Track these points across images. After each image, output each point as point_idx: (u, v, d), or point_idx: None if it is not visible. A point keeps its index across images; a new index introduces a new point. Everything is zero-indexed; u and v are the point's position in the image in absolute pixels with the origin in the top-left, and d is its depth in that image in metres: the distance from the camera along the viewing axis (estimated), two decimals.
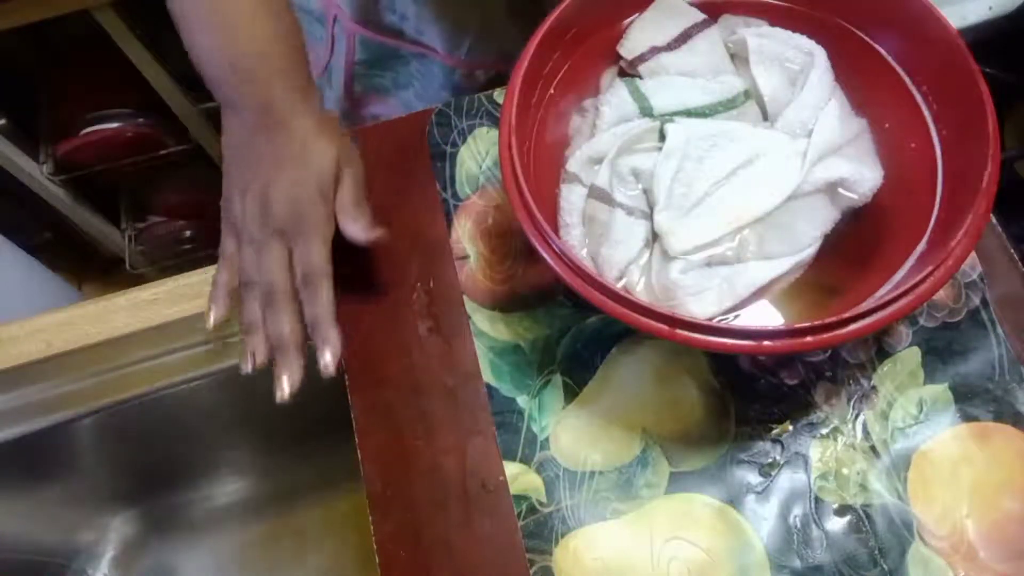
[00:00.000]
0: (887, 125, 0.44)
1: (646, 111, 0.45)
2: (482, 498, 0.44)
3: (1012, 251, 0.47)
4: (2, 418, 0.54)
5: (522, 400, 0.46)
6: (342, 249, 0.45)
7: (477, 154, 0.53)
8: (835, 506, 0.42)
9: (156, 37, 1.01)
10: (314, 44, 0.66)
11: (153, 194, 1.35)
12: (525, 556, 0.42)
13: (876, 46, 0.44)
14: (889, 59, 0.44)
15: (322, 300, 0.44)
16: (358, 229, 0.44)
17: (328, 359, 0.44)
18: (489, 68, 0.62)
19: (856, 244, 0.42)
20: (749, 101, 0.45)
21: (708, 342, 0.35)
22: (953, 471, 0.43)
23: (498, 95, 0.54)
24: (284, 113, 0.44)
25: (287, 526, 0.71)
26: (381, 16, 0.59)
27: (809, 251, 0.41)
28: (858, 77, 0.44)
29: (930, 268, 0.35)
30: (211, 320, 0.46)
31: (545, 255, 0.38)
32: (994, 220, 0.48)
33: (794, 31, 0.45)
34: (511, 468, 0.44)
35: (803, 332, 0.35)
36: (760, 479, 0.43)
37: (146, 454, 0.64)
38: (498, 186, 0.51)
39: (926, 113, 0.42)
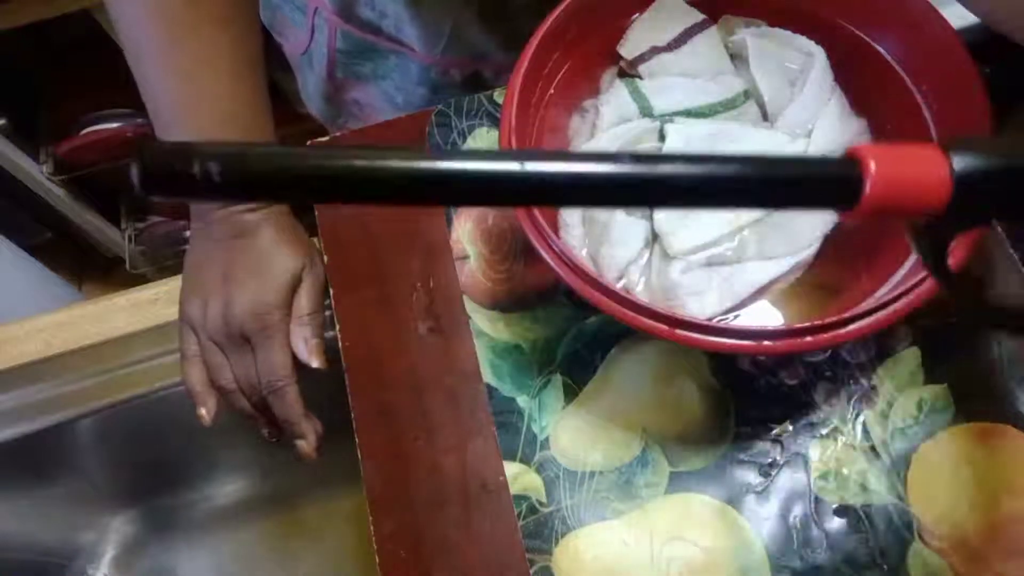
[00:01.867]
0: (887, 125, 0.44)
1: (646, 111, 0.45)
2: (482, 498, 0.44)
3: (1012, 251, 0.47)
4: (2, 418, 0.54)
5: (522, 400, 0.46)
6: (340, 246, 0.45)
7: None
8: (835, 506, 0.42)
9: None
10: (295, 30, 0.68)
11: None
12: (525, 556, 0.42)
13: (876, 46, 0.44)
14: (889, 59, 0.44)
15: (289, 401, 0.47)
16: (303, 349, 0.48)
17: (307, 449, 0.48)
18: (465, 67, 0.63)
19: (856, 244, 0.42)
20: (749, 101, 0.45)
21: (708, 342, 0.35)
22: (953, 471, 0.43)
23: (498, 95, 0.54)
24: (251, 229, 0.48)
25: (287, 526, 0.71)
26: (361, 12, 0.60)
27: (809, 251, 0.41)
28: (858, 77, 0.44)
29: None
30: (208, 418, 0.49)
31: (545, 255, 0.38)
32: (993, 220, 0.48)
33: (794, 31, 0.45)
34: (511, 468, 0.44)
35: (803, 332, 0.35)
36: (760, 479, 0.43)
37: (146, 454, 0.64)
38: None
39: (926, 113, 0.42)
